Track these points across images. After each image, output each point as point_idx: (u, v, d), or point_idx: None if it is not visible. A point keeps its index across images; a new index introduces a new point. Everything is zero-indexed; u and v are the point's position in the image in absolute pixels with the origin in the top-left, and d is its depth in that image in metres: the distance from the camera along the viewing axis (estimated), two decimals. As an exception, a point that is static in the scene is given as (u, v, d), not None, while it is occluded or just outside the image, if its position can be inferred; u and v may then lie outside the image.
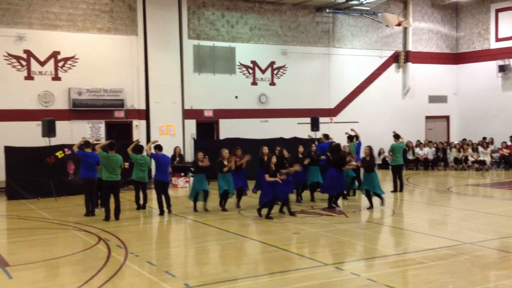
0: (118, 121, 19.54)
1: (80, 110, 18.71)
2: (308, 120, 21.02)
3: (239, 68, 21.70)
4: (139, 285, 7.20)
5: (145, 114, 19.79)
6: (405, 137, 21.26)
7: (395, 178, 15.97)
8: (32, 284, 7.35)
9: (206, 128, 21.33)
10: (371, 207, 13.06)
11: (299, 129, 21.37)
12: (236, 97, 21.54)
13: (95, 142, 13.21)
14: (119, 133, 19.19)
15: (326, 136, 16.30)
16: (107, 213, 11.99)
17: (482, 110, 24.97)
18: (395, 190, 15.82)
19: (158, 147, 12.99)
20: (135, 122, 19.81)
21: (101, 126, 19.19)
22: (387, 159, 22.58)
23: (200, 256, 9.07)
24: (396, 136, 16.27)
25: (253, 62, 21.95)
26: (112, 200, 12.05)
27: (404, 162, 17.28)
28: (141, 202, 13.58)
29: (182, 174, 18.50)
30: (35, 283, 7.43)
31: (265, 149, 12.90)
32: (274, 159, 12.04)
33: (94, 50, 19.03)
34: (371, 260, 8.45)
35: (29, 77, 18.15)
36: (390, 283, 7.05)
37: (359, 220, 11.94)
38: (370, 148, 13.57)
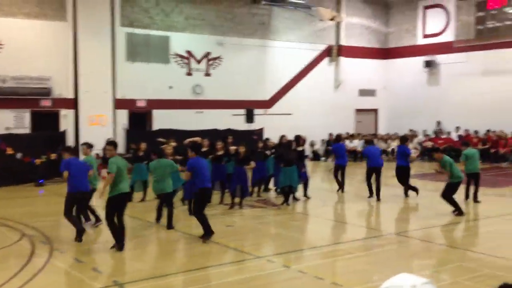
0: (44, 110, 18.69)
1: (3, 98, 17.73)
2: (243, 111, 21.03)
3: (174, 58, 21.33)
4: (64, 283, 6.93)
5: (73, 103, 19.05)
6: (336, 130, 21.80)
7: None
8: None
9: (139, 118, 20.84)
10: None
11: (234, 120, 21.36)
12: (171, 87, 21.17)
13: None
14: (45, 122, 18.40)
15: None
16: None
17: (409, 104, 25.96)
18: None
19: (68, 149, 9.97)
20: (63, 112, 19.03)
21: (26, 115, 18.30)
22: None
23: (130, 252, 8.85)
24: (465, 144, 13.66)
25: (188, 52, 21.64)
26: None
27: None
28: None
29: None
30: (-49, 283, 6.98)
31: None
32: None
33: (21, 36, 18.06)
34: (302, 252, 8.60)
35: None
36: (319, 274, 7.20)
37: (291, 212, 12.12)
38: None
